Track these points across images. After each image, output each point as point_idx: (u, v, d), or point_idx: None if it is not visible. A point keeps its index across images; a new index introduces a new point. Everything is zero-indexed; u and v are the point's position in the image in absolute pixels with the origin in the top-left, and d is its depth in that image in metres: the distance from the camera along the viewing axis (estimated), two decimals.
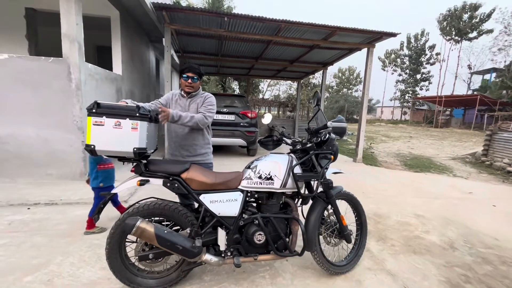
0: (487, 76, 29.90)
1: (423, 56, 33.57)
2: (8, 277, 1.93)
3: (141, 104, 2.00)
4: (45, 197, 3.37)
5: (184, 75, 2.18)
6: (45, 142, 3.93)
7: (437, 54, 33.33)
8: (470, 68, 32.46)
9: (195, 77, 2.19)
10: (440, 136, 15.85)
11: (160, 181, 1.79)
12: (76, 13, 3.76)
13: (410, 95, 35.04)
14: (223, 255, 1.85)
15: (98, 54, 7.90)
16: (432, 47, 33.05)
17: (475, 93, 25.70)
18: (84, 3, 4.05)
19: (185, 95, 2.27)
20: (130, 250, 1.84)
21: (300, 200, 2.06)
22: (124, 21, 5.63)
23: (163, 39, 5.88)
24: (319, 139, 2.01)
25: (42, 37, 5.79)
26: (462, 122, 25.02)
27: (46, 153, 3.95)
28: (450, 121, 25.34)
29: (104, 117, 1.58)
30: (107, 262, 1.75)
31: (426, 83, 34.33)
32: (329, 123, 1.86)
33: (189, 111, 2.23)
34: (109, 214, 2.77)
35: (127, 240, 1.81)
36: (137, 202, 1.83)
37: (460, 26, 29.05)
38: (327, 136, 1.97)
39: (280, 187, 1.88)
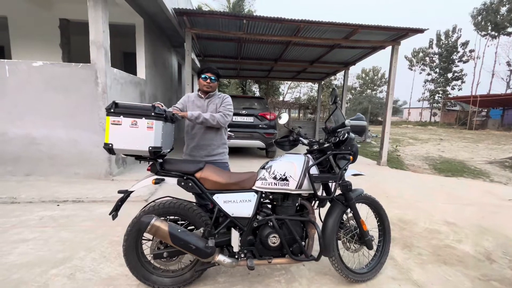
0: None
1: (455, 53, 31.53)
2: (36, 269, 2.04)
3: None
4: (73, 194, 3.56)
5: (203, 75, 2.25)
6: (74, 143, 4.18)
7: (471, 51, 31.18)
8: (509, 65, 29.90)
9: (213, 77, 2.26)
10: (474, 139, 14.72)
11: (174, 180, 1.80)
12: (103, 21, 3.98)
13: (440, 95, 33.01)
14: (236, 256, 1.81)
15: (125, 60, 8.31)
16: (465, 44, 30.97)
17: None
18: (110, 12, 4.28)
19: (202, 95, 2.31)
20: (147, 248, 1.87)
21: (317, 202, 1.98)
22: (148, 28, 5.87)
23: (185, 43, 6.05)
24: (338, 139, 1.92)
25: (74, 45, 6.19)
26: (501, 124, 23.05)
27: (75, 153, 4.20)
28: (486, 123, 23.48)
29: (121, 116, 1.62)
30: (124, 259, 1.79)
31: (459, 82, 32.16)
32: (347, 122, 1.77)
33: (207, 111, 2.27)
34: (129, 211, 2.86)
35: (143, 238, 1.84)
36: (153, 201, 1.86)
37: (497, 20, 26.93)
38: (346, 136, 1.87)
39: (296, 188, 1.81)
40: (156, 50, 6.64)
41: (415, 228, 3.06)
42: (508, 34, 27.57)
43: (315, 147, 2.00)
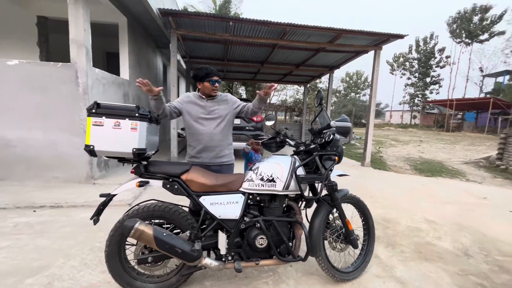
0: (500, 79, 29.14)
1: (433, 59, 32.97)
2: (10, 279, 1.93)
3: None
4: (51, 199, 3.39)
5: (212, 80, 2.12)
6: (53, 145, 3.99)
7: (447, 57, 32.69)
8: (482, 70, 31.67)
9: (220, 80, 2.19)
10: (451, 140, 15.43)
11: (160, 183, 1.76)
12: (84, 19, 3.84)
13: (419, 98, 34.40)
14: (223, 259, 1.79)
15: (108, 60, 8.07)
16: (442, 50, 32.45)
17: (487, 96, 25.01)
18: (92, 10, 4.14)
19: (203, 97, 2.19)
20: (130, 253, 1.81)
21: (304, 203, 2.00)
22: (132, 28, 5.74)
23: (170, 44, 5.95)
24: (323, 140, 1.95)
25: (53, 44, 5.94)
26: (475, 126, 24.31)
27: (53, 156, 4.00)
28: (462, 125, 24.68)
29: (103, 117, 1.57)
30: (106, 265, 1.73)
31: (436, 86, 33.61)
32: (332, 123, 1.80)
33: (211, 112, 2.16)
34: (112, 216, 2.76)
35: (126, 243, 1.78)
36: (137, 204, 1.81)
37: (470, 28, 28.49)
38: (331, 137, 1.90)
39: (283, 189, 1.82)
40: (141, 50, 6.50)
41: (398, 226, 3.15)
42: (481, 41, 29.22)
43: (302, 148, 2.02)
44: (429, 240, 2.85)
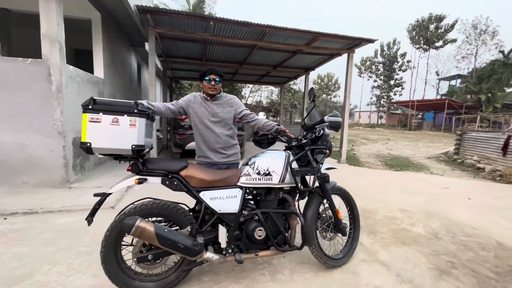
0: (453, 82, 32.11)
1: (396, 63, 35.53)
2: None
3: (156, 103, 2.01)
4: (23, 206, 3.15)
5: (206, 78, 2.13)
6: (22, 148, 3.68)
7: (408, 61, 35.44)
8: (438, 74, 34.72)
9: (217, 79, 2.15)
10: (414, 138, 16.73)
11: (158, 180, 1.75)
12: (57, 13, 3.62)
13: (385, 100, 36.82)
14: (224, 252, 1.83)
15: (76, 58, 7.59)
16: (403, 55, 35.11)
17: (443, 97, 27.49)
18: (63, 4, 3.90)
19: (208, 98, 2.20)
20: (126, 253, 1.78)
21: (298, 195, 2.10)
22: (105, 24, 5.48)
23: (146, 43, 5.79)
24: (314, 135, 2.07)
25: (16, 39, 5.47)
26: (433, 125, 26.56)
27: (23, 159, 3.70)
28: (422, 124, 26.83)
29: (100, 113, 1.54)
30: (103, 267, 1.68)
31: (399, 88, 36.28)
32: (325, 118, 1.93)
33: (216, 115, 2.19)
34: (95, 218, 2.64)
35: (123, 242, 1.75)
36: (133, 203, 1.78)
37: (427, 35, 31.17)
38: (321, 132, 2.04)
39: (279, 182, 1.91)
40: (115, 48, 6.22)
41: (377, 216, 3.40)
42: (436, 48, 32.10)
43: (294, 143, 2.13)
44: (404, 226, 3.12)
